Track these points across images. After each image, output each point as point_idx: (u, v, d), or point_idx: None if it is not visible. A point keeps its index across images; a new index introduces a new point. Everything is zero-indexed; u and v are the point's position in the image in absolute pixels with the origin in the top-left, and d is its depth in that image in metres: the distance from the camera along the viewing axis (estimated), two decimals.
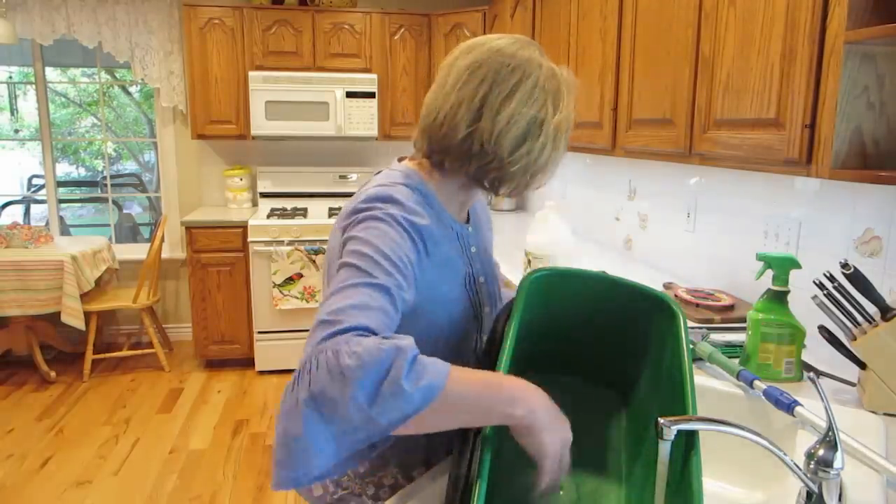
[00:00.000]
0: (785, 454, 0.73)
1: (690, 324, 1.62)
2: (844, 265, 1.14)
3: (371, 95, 3.98)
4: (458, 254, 1.05)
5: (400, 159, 1.09)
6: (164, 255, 4.30)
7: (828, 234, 1.55)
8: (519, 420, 0.76)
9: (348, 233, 0.91)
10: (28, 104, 5.74)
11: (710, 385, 1.23)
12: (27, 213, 6.19)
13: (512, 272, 2.35)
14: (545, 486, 0.77)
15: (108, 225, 4.77)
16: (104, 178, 4.93)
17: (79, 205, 6.81)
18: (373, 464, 1.10)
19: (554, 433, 0.78)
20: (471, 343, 1.10)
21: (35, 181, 6.03)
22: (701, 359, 1.33)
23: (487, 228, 1.23)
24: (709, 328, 1.54)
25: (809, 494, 0.79)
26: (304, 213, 4.00)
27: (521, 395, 0.77)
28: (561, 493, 0.91)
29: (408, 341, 0.76)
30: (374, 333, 0.77)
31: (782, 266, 1.27)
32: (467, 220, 1.13)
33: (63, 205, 4.74)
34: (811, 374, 0.86)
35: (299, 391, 0.73)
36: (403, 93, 4.12)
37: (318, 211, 4.13)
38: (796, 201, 1.66)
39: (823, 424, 0.99)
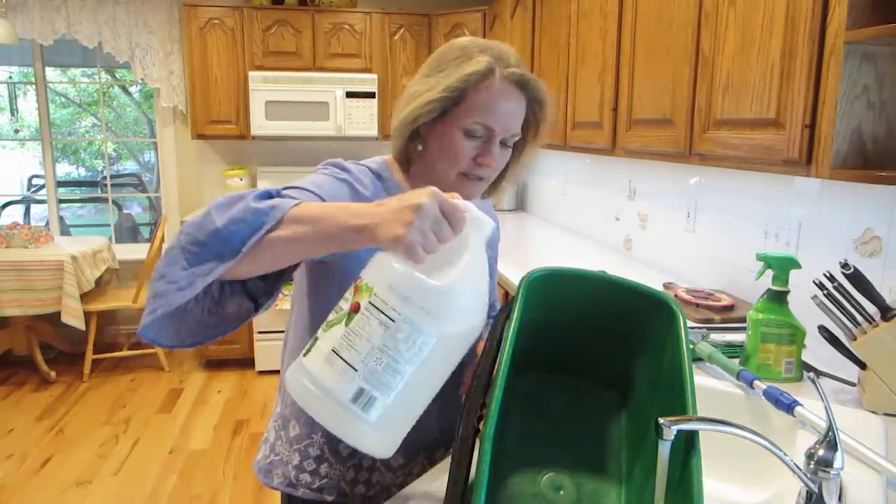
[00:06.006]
0: (785, 454, 0.73)
1: (690, 324, 1.62)
2: (844, 265, 1.14)
3: (371, 95, 3.98)
4: None
5: None
6: None
7: (828, 234, 1.55)
8: (361, 230, 0.72)
9: None
10: (28, 104, 5.73)
11: (710, 385, 1.23)
12: (27, 213, 6.19)
13: (512, 271, 2.35)
14: (418, 263, 0.69)
15: (108, 225, 4.77)
16: (104, 178, 4.93)
17: (79, 205, 6.81)
18: (301, 429, 1.09)
19: (387, 223, 0.70)
20: None
21: (35, 181, 6.04)
22: (701, 359, 1.33)
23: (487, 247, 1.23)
24: (709, 328, 1.54)
25: (809, 494, 0.79)
26: None
27: (366, 209, 0.74)
28: (561, 493, 0.91)
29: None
30: None
31: (782, 266, 1.27)
32: None
33: (63, 205, 4.74)
34: (811, 374, 0.87)
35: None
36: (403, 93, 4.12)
37: None
38: (796, 201, 1.66)
39: (823, 424, 0.99)
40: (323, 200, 0.92)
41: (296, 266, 0.96)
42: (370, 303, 0.69)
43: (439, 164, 1.00)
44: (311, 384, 0.68)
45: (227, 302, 0.87)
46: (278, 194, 0.84)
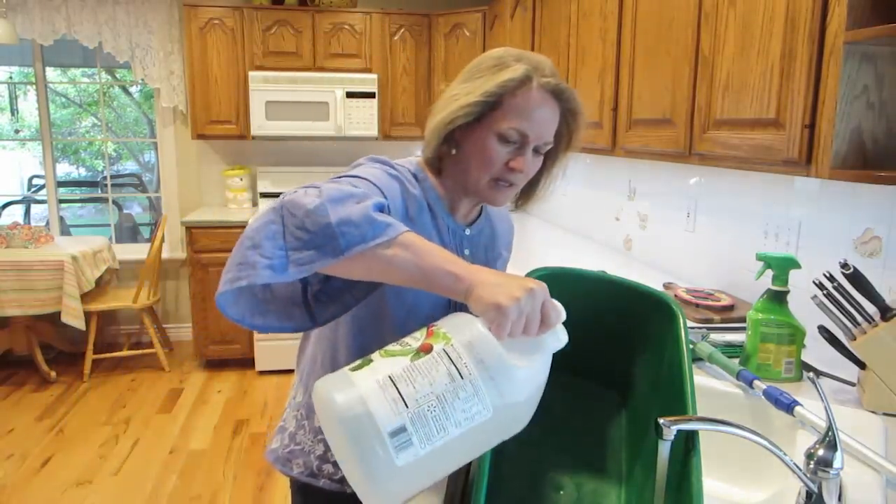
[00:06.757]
0: (785, 454, 0.74)
1: (690, 324, 1.62)
2: (844, 265, 1.14)
3: (371, 95, 3.98)
4: (438, 244, 1.06)
5: None
6: (165, 255, 4.30)
7: (828, 234, 1.55)
8: (460, 280, 0.76)
9: None
10: (28, 104, 5.73)
11: (710, 385, 1.23)
12: (27, 213, 6.19)
13: (513, 272, 2.34)
14: (500, 337, 0.73)
15: (109, 225, 4.77)
16: (104, 178, 4.93)
17: (79, 205, 6.81)
18: None
19: (493, 287, 0.74)
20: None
21: (35, 181, 6.03)
22: (701, 359, 1.33)
23: (503, 247, 1.25)
24: (709, 328, 1.54)
25: (809, 494, 0.79)
26: None
27: (467, 265, 0.79)
28: (561, 493, 0.91)
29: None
30: None
31: (782, 266, 1.27)
32: (471, 224, 1.13)
33: (63, 205, 4.74)
34: (811, 374, 0.87)
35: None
36: (403, 93, 4.12)
37: None
38: (796, 201, 1.66)
39: (823, 424, 0.99)
40: (382, 193, 0.94)
41: (372, 290, 0.96)
42: (444, 350, 0.70)
43: (472, 168, 1.02)
44: (356, 400, 0.66)
45: None
46: (381, 209, 0.84)
